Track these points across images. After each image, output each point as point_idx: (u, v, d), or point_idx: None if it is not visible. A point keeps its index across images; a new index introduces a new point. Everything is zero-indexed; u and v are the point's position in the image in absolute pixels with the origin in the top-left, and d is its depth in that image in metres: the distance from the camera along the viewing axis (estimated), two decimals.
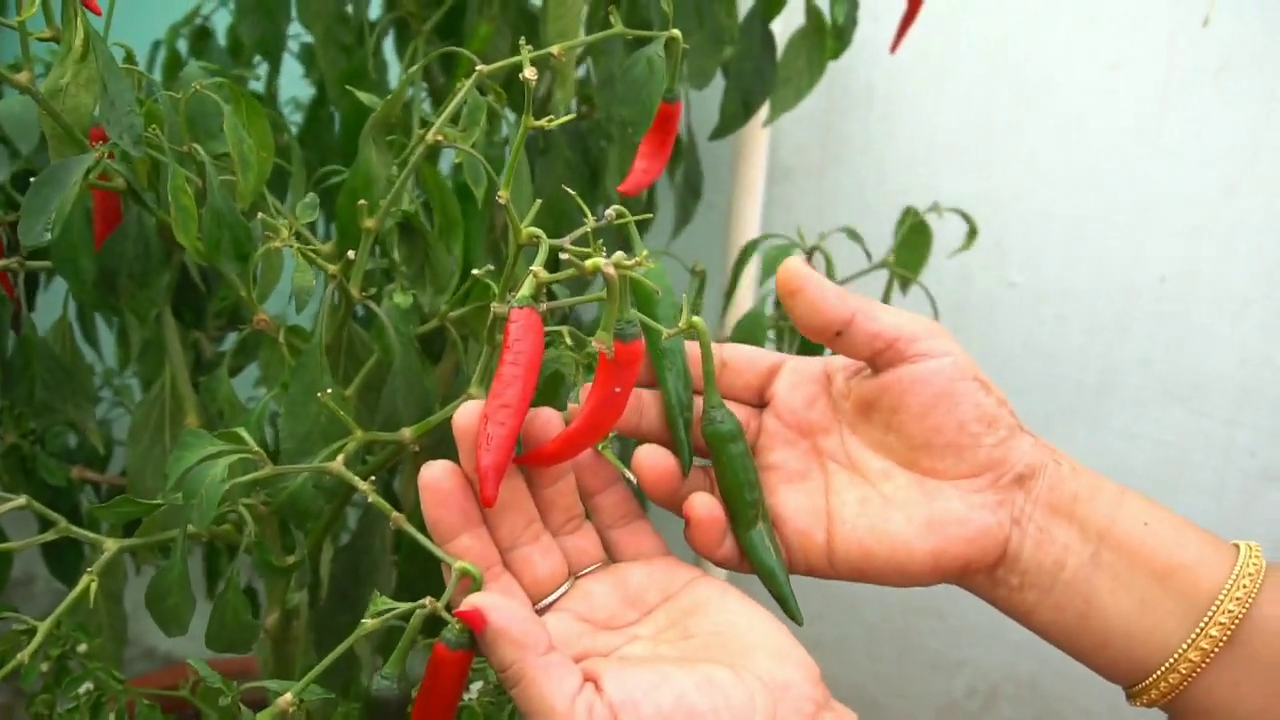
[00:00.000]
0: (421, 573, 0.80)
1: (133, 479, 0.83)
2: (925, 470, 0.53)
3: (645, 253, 0.54)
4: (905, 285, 0.94)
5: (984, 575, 0.52)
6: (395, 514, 0.59)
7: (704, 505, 0.54)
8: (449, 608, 0.51)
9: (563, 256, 0.54)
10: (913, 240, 0.93)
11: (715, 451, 0.56)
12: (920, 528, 0.52)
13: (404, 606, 0.52)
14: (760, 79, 0.91)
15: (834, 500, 0.54)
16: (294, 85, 1.06)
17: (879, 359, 0.53)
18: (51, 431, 0.93)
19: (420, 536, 0.55)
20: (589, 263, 0.53)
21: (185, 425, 0.79)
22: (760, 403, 0.58)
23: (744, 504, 0.55)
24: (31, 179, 0.70)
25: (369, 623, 0.51)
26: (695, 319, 0.55)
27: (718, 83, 0.95)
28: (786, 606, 0.56)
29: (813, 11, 0.95)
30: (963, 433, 0.51)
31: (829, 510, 0.54)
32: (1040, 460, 0.52)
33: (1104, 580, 0.51)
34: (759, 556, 0.55)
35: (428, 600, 0.51)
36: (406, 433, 0.70)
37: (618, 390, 0.54)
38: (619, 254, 0.53)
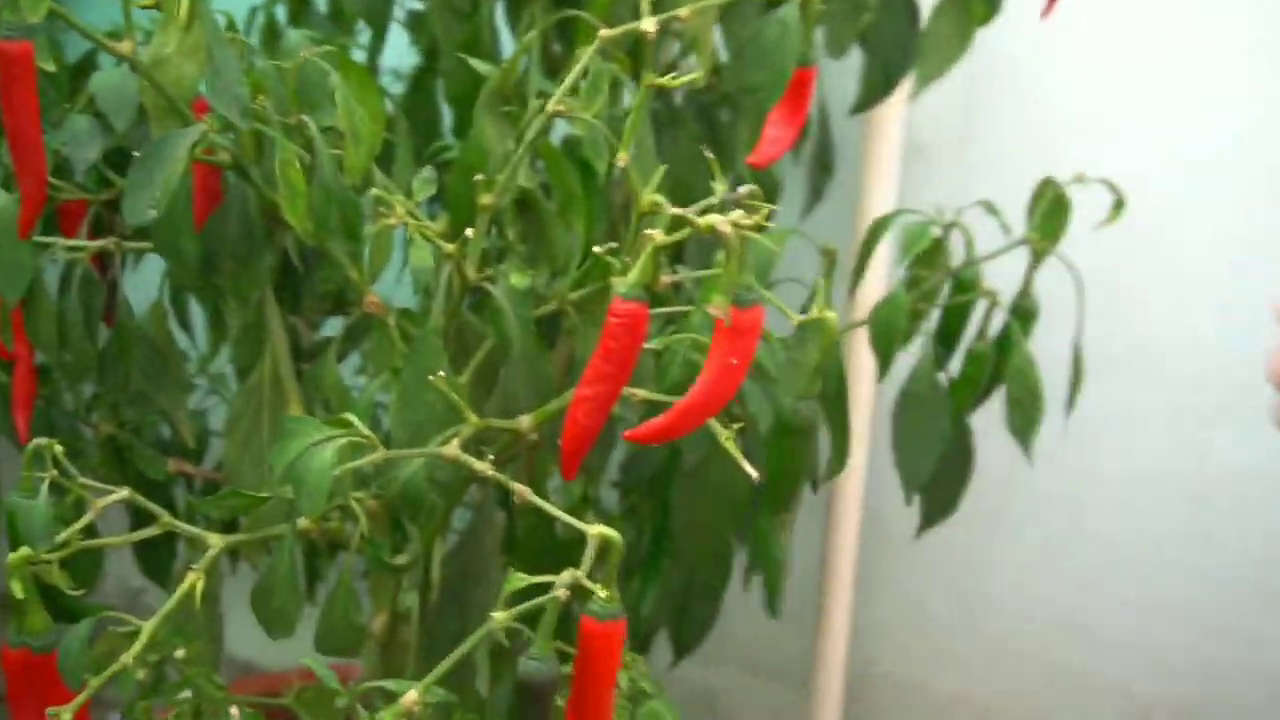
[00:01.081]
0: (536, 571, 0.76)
1: (229, 472, 0.79)
2: None
3: (766, 210, 0.51)
4: (1040, 257, 0.87)
5: None
6: (520, 487, 0.56)
7: None
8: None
9: (672, 211, 0.54)
10: (1052, 213, 0.86)
11: (780, 439, 0.62)
12: None
13: (544, 579, 0.50)
14: (901, 48, 0.87)
15: None
16: (390, 55, 1.02)
17: None
18: (146, 422, 0.89)
19: (548, 506, 0.54)
20: (703, 220, 0.51)
21: (287, 414, 0.75)
22: None
23: (784, 490, 0.63)
24: (134, 155, 0.67)
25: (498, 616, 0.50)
26: (828, 313, 0.59)
27: (849, 56, 0.90)
28: (773, 601, 0.69)
29: None
30: None
31: None
32: None
33: None
34: (768, 545, 0.64)
35: (568, 571, 0.50)
36: (525, 420, 0.66)
37: (734, 362, 0.52)
38: (737, 211, 0.51)
